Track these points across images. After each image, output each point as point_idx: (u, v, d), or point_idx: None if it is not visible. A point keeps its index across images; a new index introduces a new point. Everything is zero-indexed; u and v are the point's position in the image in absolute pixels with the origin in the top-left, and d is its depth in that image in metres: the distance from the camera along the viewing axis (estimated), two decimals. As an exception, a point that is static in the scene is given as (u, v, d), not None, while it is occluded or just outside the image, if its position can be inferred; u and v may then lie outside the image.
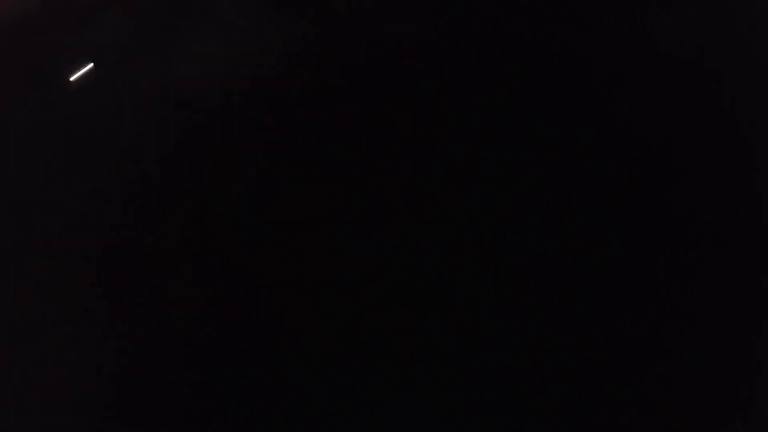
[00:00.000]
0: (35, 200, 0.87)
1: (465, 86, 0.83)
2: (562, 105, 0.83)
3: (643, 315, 0.82)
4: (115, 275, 0.85)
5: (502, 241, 0.82)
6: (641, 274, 0.83)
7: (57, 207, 0.86)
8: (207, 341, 0.83)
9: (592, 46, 0.84)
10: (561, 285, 0.82)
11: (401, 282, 0.82)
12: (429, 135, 0.83)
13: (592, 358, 0.82)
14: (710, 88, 0.85)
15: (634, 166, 0.83)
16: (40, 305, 0.86)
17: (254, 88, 0.84)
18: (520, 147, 0.83)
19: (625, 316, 0.82)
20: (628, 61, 0.84)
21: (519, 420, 0.82)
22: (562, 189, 0.82)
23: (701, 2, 0.86)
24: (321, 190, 0.83)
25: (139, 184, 0.85)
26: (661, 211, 0.83)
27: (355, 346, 0.82)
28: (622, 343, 0.82)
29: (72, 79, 0.78)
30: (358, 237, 0.83)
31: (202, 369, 0.83)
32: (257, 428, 0.83)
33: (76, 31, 0.85)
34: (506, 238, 0.82)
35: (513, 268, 0.82)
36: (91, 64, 0.75)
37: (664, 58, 0.84)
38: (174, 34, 0.85)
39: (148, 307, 0.84)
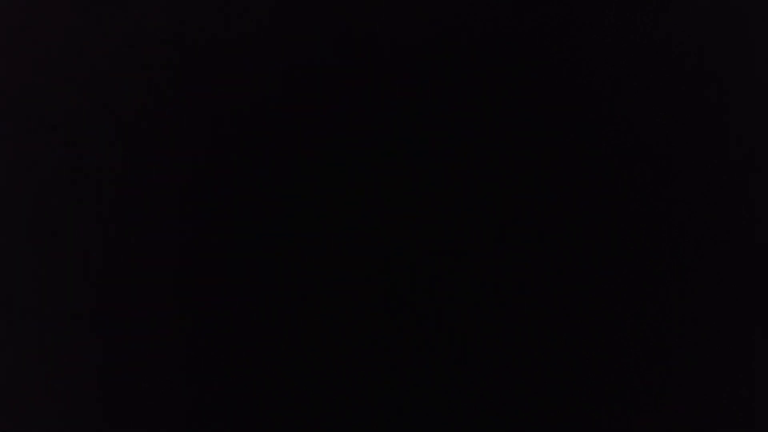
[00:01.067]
0: (33, 200, 0.87)
1: (464, 85, 0.83)
2: (561, 105, 0.83)
3: (643, 315, 0.82)
4: (114, 276, 0.85)
5: (502, 241, 0.82)
6: (641, 274, 0.82)
7: (53, 207, 0.86)
8: (205, 342, 0.83)
9: (592, 45, 0.84)
10: (561, 285, 0.82)
11: (400, 282, 0.82)
12: (428, 134, 0.83)
13: (592, 358, 0.82)
14: (709, 88, 0.85)
15: (634, 166, 0.83)
16: (39, 305, 0.86)
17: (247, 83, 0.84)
18: (518, 147, 0.83)
19: (625, 316, 0.82)
20: (628, 60, 0.84)
21: (519, 420, 0.82)
22: (561, 189, 0.82)
23: (701, 2, 0.86)
24: (319, 190, 0.83)
25: (136, 183, 0.85)
26: (661, 211, 0.83)
27: (354, 346, 0.82)
28: (622, 343, 0.82)
29: None
30: (357, 237, 0.82)
31: (199, 370, 0.83)
32: (256, 428, 0.83)
33: None
34: (506, 238, 0.82)
35: (513, 268, 0.82)
36: None
37: (664, 57, 0.84)
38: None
39: (147, 308, 0.84)
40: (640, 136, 0.83)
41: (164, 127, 0.85)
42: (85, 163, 0.86)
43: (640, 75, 0.84)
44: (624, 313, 0.82)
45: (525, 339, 0.82)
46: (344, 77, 0.83)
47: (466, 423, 0.82)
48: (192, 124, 0.84)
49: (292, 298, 0.82)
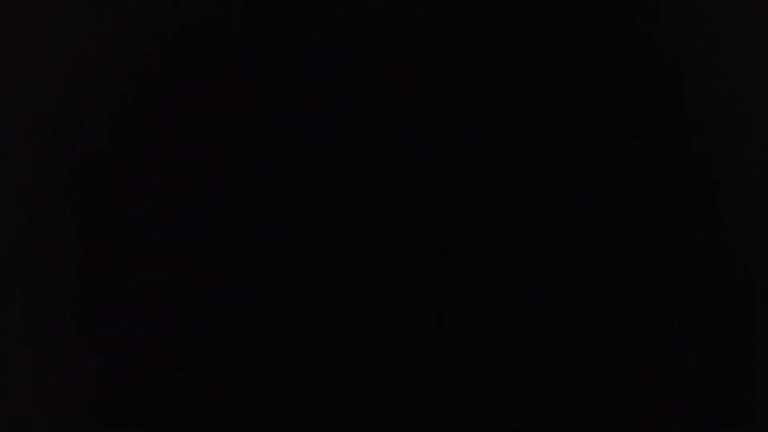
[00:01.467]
0: (33, 201, 0.87)
1: (462, 84, 0.83)
2: (560, 104, 0.83)
3: (643, 315, 0.82)
4: (113, 274, 0.85)
5: (501, 242, 0.82)
6: (641, 274, 0.83)
7: (52, 207, 0.86)
8: (205, 342, 0.83)
9: (589, 46, 0.84)
10: (560, 285, 0.82)
11: (399, 282, 0.82)
12: (427, 134, 0.83)
13: (592, 358, 0.82)
14: (708, 88, 0.85)
15: (633, 166, 0.83)
16: (38, 305, 0.86)
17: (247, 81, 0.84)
18: (516, 146, 0.83)
19: (625, 316, 0.82)
20: (628, 61, 0.84)
21: (519, 420, 0.82)
22: (560, 188, 0.82)
23: (701, 5, 0.86)
24: (316, 188, 0.83)
25: (135, 184, 0.85)
26: (660, 211, 0.83)
27: (353, 347, 0.82)
28: (622, 344, 0.82)
29: None
30: (354, 236, 0.82)
31: (199, 370, 0.83)
32: (255, 429, 0.83)
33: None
34: (505, 237, 0.82)
35: (512, 268, 0.82)
36: None
37: (664, 58, 0.84)
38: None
39: (146, 308, 0.84)
40: (639, 136, 0.83)
41: (155, 125, 0.85)
42: (73, 162, 0.86)
43: (640, 75, 0.84)
44: (624, 313, 0.82)
45: (525, 339, 0.82)
46: (341, 75, 0.83)
47: (466, 423, 0.82)
48: (185, 121, 0.84)
49: (286, 297, 0.82)
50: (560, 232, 0.82)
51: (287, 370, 0.82)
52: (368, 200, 0.82)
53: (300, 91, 0.83)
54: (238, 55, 0.84)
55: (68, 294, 0.85)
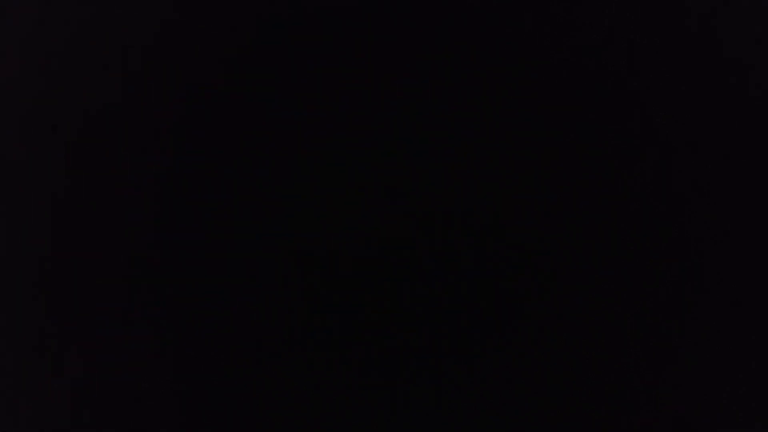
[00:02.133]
0: (33, 201, 0.87)
1: (466, 82, 0.83)
2: (565, 103, 0.83)
3: (643, 315, 0.83)
4: (115, 274, 0.85)
5: (503, 241, 0.82)
6: (641, 275, 0.83)
7: (54, 207, 0.86)
8: (205, 342, 0.83)
9: (595, 43, 0.84)
10: (561, 285, 0.82)
11: (398, 282, 0.82)
12: (432, 134, 0.83)
13: (592, 358, 0.82)
14: (713, 88, 0.85)
15: (635, 166, 0.83)
16: (38, 305, 0.86)
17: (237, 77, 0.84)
18: (519, 146, 0.83)
19: (626, 316, 0.82)
20: (629, 60, 0.84)
21: (519, 420, 0.82)
22: (562, 188, 0.83)
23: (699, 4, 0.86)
24: (314, 185, 0.83)
25: (136, 185, 0.85)
26: (663, 211, 0.83)
27: (352, 346, 0.82)
28: (623, 344, 0.82)
29: None
30: (352, 235, 0.83)
31: (200, 370, 0.83)
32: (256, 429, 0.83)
33: None
34: (507, 238, 0.82)
35: (513, 268, 0.82)
36: None
37: (671, 58, 0.85)
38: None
39: (146, 308, 0.84)
40: (639, 136, 0.84)
41: (154, 123, 0.85)
42: (69, 161, 0.86)
43: (641, 74, 0.84)
44: (624, 313, 0.82)
45: (524, 340, 0.82)
46: (339, 74, 0.83)
47: (466, 423, 0.82)
48: (183, 120, 0.84)
49: (283, 296, 0.83)
50: (559, 232, 0.82)
51: (286, 370, 0.82)
52: (367, 198, 0.82)
53: (299, 90, 0.84)
54: (237, 51, 0.84)
55: (66, 293, 0.86)
